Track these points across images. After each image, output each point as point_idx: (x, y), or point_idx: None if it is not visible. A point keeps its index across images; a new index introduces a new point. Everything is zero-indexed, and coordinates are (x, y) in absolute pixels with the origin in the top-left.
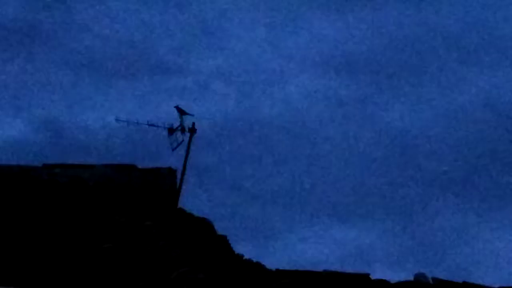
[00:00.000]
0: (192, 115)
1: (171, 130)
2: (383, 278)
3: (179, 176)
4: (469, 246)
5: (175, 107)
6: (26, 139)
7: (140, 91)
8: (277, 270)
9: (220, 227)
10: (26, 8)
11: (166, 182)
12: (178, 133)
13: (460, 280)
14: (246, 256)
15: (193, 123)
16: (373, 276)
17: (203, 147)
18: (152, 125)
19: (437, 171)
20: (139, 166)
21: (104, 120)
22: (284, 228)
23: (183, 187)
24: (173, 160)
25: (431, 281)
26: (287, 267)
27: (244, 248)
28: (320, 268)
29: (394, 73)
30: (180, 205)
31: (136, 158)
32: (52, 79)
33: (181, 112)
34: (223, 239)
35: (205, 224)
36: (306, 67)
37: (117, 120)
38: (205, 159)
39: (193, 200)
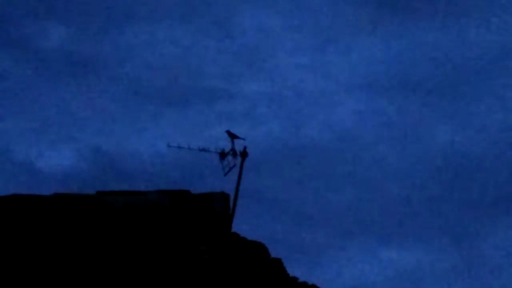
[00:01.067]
0: (244, 139)
1: (222, 155)
2: None
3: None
4: None
5: (226, 131)
6: (77, 168)
7: (189, 116)
8: None
9: (273, 251)
10: (73, 37)
11: (219, 206)
12: (230, 158)
13: None
14: (300, 279)
15: (245, 147)
16: None
17: (252, 170)
18: (204, 150)
19: (487, 190)
20: (192, 192)
21: (154, 147)
22: (334, 249)
23: (236, 211)
24: (224, 185)
25: None
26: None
27: (295, 270)
28: None
29: (441, 94)
30: (233, 229)
31: (188, 183)
32: (101, 107)
33: (232, 136)
34: (278, 262)
35: (259, 248)
36: (352, 89)
37: (168, 146)
38: (255, 182)
39: (245, 224)
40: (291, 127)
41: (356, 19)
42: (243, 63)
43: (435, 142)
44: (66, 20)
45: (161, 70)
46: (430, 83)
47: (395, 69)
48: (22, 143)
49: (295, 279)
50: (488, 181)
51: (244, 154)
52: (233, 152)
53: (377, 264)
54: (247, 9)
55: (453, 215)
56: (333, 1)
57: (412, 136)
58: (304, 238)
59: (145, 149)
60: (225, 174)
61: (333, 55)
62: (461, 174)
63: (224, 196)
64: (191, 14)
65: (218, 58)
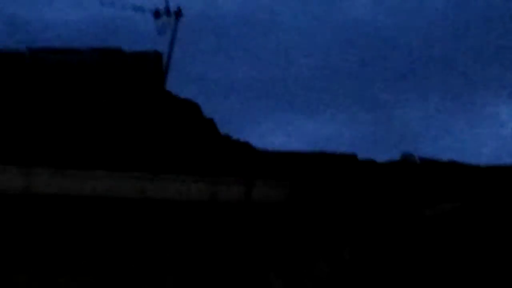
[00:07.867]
0: None
1: (157, 14)
2: (370, 158)
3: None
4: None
5: None
6: None
7: None
8: (266, 150)
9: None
10: None
11: (151, 65)
12: (165, 17)
13: (446, 160)
14: (234, 137)
15: (179, 7)
16: (359, 157)
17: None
18: (138, 9)
19: (405, 62)
20: (125, 50)
21: (67, 16)
22: (258, 115)
23: (171, 72)
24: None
25: (418, 161)
26: (275, 148)
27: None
28: None
29: None
30: (168, 88)
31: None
32: None
33: None
34: (210, 122)
35: (191, 106)
36: None
37: (101, 3)
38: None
39: (181, 85)
40: None
41: None
42: None
43: (353, 12)
44: None
45: None
46: None
47: None
48: None
49: (227, 137)
50: (408, 52)
51: (178, 13)
52: (167, 11)
53: (294, 135)
54: None
55: (366, 86)
56: None
57: (328, 7)
58: (224, 105)
59: (56, 18)
60: (159, 34)
61: None
62: (378, 46)
63: (157, 55)
64: None
65: None
